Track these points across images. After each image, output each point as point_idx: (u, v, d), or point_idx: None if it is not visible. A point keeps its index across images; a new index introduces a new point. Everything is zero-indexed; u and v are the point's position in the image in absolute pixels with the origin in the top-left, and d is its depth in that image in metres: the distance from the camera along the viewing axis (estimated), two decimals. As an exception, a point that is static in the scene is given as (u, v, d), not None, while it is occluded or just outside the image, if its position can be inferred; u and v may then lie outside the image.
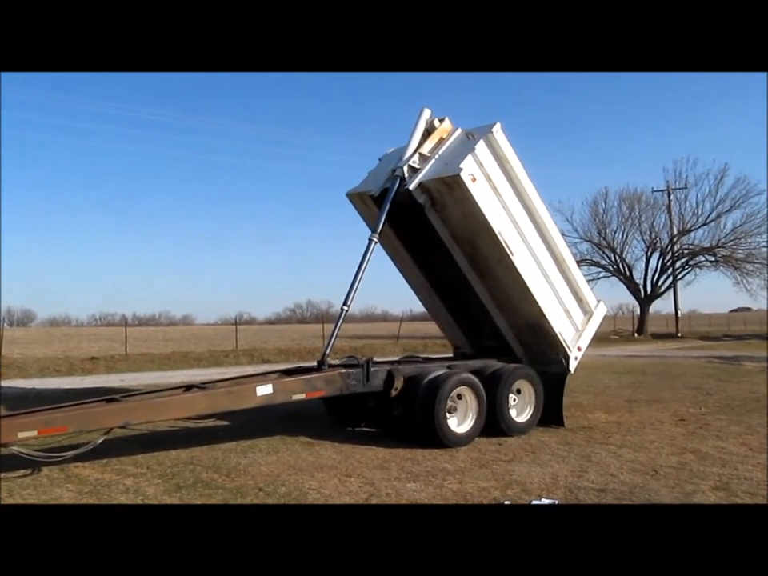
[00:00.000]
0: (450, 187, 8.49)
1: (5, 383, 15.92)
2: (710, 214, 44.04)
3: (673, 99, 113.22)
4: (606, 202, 46.72)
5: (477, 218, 8.57)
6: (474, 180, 8.38)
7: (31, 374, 18.17)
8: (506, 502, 5.64)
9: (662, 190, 46.18)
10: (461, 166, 8.29)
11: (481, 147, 8.59)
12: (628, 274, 46.63)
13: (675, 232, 45.21)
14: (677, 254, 45.22)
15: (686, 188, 45.03)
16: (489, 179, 8.62)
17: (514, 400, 8.99)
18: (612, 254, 46.59)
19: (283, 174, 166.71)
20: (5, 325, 31.09)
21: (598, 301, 10.23)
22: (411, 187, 8.65)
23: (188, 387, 7.79)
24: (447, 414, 8.08)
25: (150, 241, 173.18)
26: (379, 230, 8.78)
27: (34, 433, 6.14)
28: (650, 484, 6.31)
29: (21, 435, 6.06)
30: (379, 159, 10.06)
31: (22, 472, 6.68)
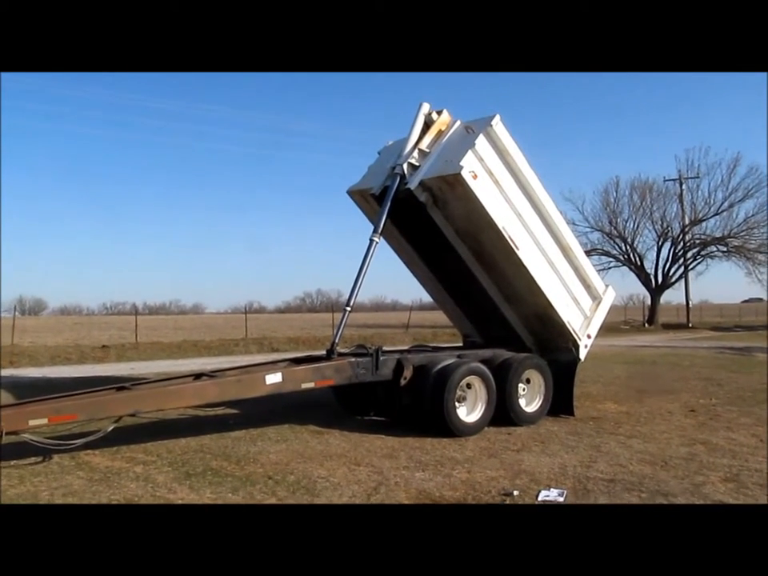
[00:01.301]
0: (452, 185, 8.37)
1: (16, 371, 16.05)
2: (722, 204, 43.66)
3: (684, 89, 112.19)
4: (617, 191, 46.34)
5: (480, 215, 8.46)
6: (475, 177, 8.24)
7: (42, 363, 18.31)
8: (515, 492, 5.63)
9: (673, 179, 45.78)
10: (461, 163, 8.13)
11: (481, 142, 8.42)
12: (639, 263, 46.32)
13: (687, 222, 44.83)
14: (688, 244, 44.90)
15: (698, 177, 44.66)
16: (490, 174, 8.48)
17: (524, 390, 8.97)
18: (623, 244, 46.30)
19: (293, 163, 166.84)
20: (16, 313, 31.27)
21: (606, 285, 10.18)
22: (412, 187, 8.53)
23: (198, 376, 7.81)
24: (456, 404, 8.08)
25: (160, 230, 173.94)
26: (380, 230, 8.70)
27: (45, 420, 6.17)
28: (660, 475, 6.29)
29: (31, 423, 6.10)
30: (378, 153, 9.92)
31: (32, 459, 6.73)
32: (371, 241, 8.68)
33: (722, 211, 43.67)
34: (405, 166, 8.69)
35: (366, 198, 9.47)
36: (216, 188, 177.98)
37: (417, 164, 8.75)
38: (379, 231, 8.70)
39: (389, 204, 8.66)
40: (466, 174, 8.12)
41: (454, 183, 8.30)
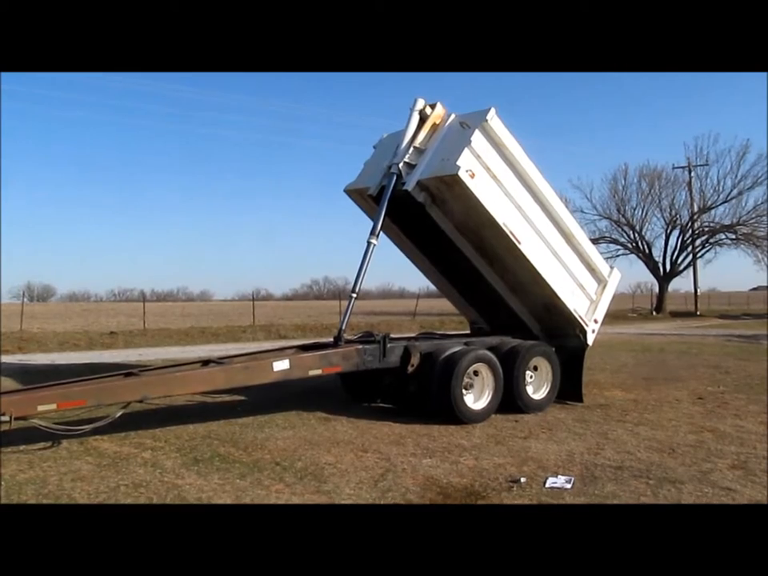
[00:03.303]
0: (449, 185, 8.25)
1: (25, 357, 16.14)
2: (731, 191, 43.37)
3: (693, 77, 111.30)
4: (625, 179, 46.12)
5: (480, 212, 8.35)
6: (472, 176, 8.09)
7: (51, 349, 18.39)
8: (522, 479, 5.63)
9: (682, 167, 45.46)
10: (458, 163, 7.99)
11: (477, 138, 8.25)
12: (647, 251, 46.15)
13: (696, 209, 44.57)
14: (697, 232, 44.66)
15: (707, 165, 44.38)
16: (488, 170, 8.33)
17: (531, 377, 8.96)
18: (631, 232, 46.10)
19: (301, 151, 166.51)
20: (25, 300, 31.46)
21: (611, 268, 10.13)
22: (409, 188, 8.40)
23: (205, 362, 7.83)
24: (463, 391, 8.07)
25: (168, 217, 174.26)
26: (377, 232, 8.59)
27: (53, 406, 6.21)
28: (667, 462, 6.28)
29: (40, 408, 6.13)
30: (374, 147, 9.79)
31: (41, 445, 6.77)
32: (369, 243, 8.57)
33: (731, 199, 43.46)
34: (401, 165, 8.58)
35: (364, 197, 9.36)
36: (223, 175, 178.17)
37: (413, 163, 8.62)
38: (376, 233, 8.58)
39: (385, 204, 8.56)
40: (463, 174, 8.00)
41: (452, 183, 8.18)
